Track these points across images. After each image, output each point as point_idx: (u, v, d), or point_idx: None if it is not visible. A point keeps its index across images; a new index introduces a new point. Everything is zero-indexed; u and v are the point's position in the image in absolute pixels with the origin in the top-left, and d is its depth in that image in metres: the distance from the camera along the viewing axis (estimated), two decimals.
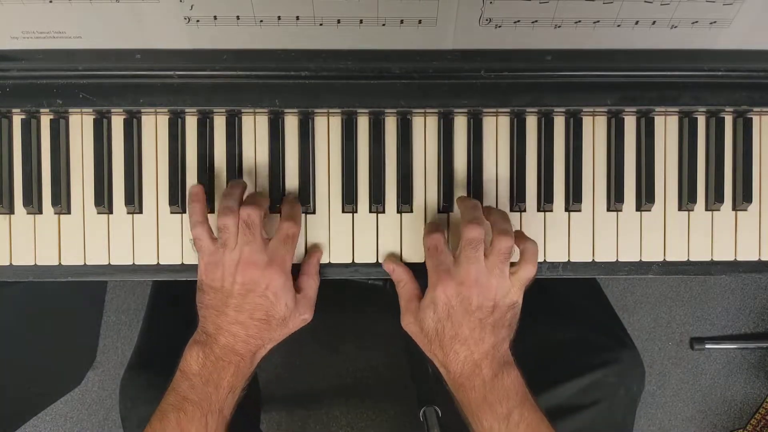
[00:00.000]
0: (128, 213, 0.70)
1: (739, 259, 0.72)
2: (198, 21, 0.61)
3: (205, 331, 0.65)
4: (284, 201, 0.70)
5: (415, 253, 0.71)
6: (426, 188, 0.71)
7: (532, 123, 0.71)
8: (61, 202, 0.69)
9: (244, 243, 0.64)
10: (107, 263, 0.70)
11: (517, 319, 0.66)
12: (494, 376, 0.62)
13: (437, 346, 0.64)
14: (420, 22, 0.62)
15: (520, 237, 0.66)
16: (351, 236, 0.71)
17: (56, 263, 0.70)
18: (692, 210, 0.72)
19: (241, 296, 0.64)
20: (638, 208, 0.72)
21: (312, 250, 0.70)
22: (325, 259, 0.71)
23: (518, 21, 0.61)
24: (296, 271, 0.69)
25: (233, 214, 0.64)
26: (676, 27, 0.62)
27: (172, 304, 0.94)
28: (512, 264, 0.65)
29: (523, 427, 0.61)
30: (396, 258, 0.70)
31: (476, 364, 0.62)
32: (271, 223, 0.70)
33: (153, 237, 0.70)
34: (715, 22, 0.62)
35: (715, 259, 0.72)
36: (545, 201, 0.71)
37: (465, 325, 0.62)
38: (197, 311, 0.67)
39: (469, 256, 0.62)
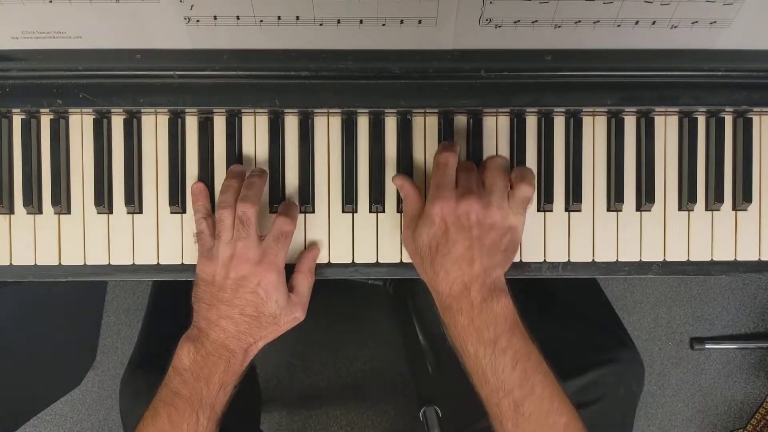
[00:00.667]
0: (128, 213, 0.70)
1: (739, 259, 0.72)
2: (198, 21, 0.61)
3: (197, 326, 0.66)
4: (282, 204, 0.70)
5: None
6: (426, 188, 0.71)
7: (532, 123, 0.71)
8: (61, 202, 0.69)
9: (237, 238, 0.64)
10: (107, 263, 0.70)
11: (515, 247, 0.65)
12: (483, 301, 0.61)
13: (428, 264, 0.63)
14: (420, 22, 0.62)
15: (512, 169, 0.67)
16: (351, 236, 0.71)
17: (56, 263, 0.70)
18: (692, 210, 0.72)
19: (232, 291, 0.64)
20: (638, 208, 0.72)
21: (309, 248, 0.70)
22: (324, 259, 0.71)
23: (518, 21, 0.61)
24: (292, 269, 0.69)
25: (230, 208, 0.65)
26: (676, 27, 0.62)
27: (172, 304, 0.94)
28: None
29: (510, 354, 0.60)
30: (404, 175, 0.70)
31: (465, 285, 0.61)
32: (268, 222, 0.70)
33: (153, 237, 0.70)
34: (715, 22, 0.62)
35: (715, 259, 0.72)
36: (545, 201, 0.71)
37: (460, 243, 0.61)
38: (193, 307, 0.67)
39: (468, 175, 0.64)
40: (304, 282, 0.69)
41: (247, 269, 0.64)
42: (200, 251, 0.67)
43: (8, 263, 0.70)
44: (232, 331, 0.65)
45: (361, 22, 0.61)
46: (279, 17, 0.61)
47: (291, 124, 0.71)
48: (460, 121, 0.71)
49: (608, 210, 0.72)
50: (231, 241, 0.64)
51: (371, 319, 1.37)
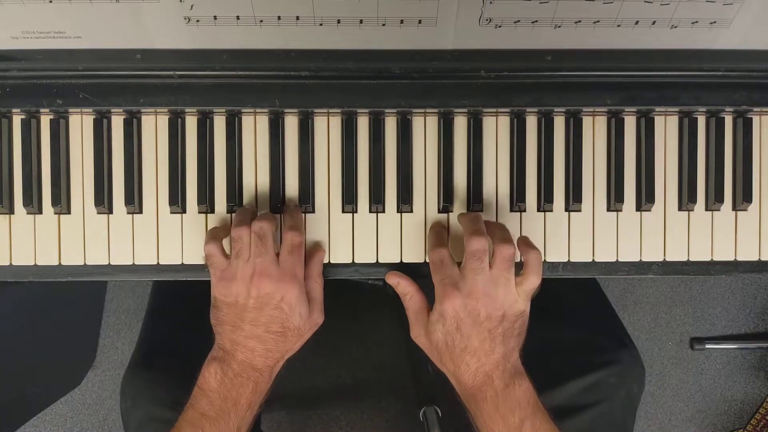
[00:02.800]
0: (128, 213, 0.70)
1: (739, 259, 0.72)
2: (198, 21, 0.61)
3: (222, 347, 0.65)
4: (285, 210, 0.70)
5: (415, 254, 0.71)
6: (426, 188, 0.71)
7: (532, 123, 0.71)
8: (61, 202, 0.69)
9: (256, 255, 0.64)
10: (107, 263, 0.70)
11: (525, 328, 0.65)
12: (506, 387, 0.62)
13: (448, 359, 0.64)
14: (420, 22, 0.62)
15: (523, 244, 0.66)
16: (351, 236, 0.71)
17: (56, 263, 0.70)
18: (692, 210, 0.72)
19: (256, 310, 0.64)
20: (638, 208, 0.72)
21: (313, 250, 0.70)
22: (325, 259, 0.71)
23: (518, 21, 0.61)
24: None
25: (246, 226, 0.64)
26: (676, 27, 0.62)
27: (173, 304, 0.94)
28: (517, 276, 0.65)
29: None
30: (399, 272, 0.70)
31: (487, 375, 0.62)
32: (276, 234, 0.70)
33: (153, 237, 0.70)
34: (715, 22, 0.62)
35: (715, 259, 0.72)
36: (545, 201, 0.71)
37: (474, 337, 0.62)
38: (212, 328, 0.67)
39: (474, 267, 0.62)
40: (316, 287, 0.69)
41: (270, 286, 0.63)
42: (214, 274, 0.66)
43: (8, 263, 0.70)
44: (260, 350, 0.64)
45: (361, 22, 0.61)
46: (279, 17, 0.61)
47: (291, 124, 0.71)
48: (460, 121, 0.71)
49: (608, 210, 0.72)
50: (250, 259, 0.64)
51: (371, 319, 1.37)
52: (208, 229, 0.69)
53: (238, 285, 0.64)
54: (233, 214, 0.70)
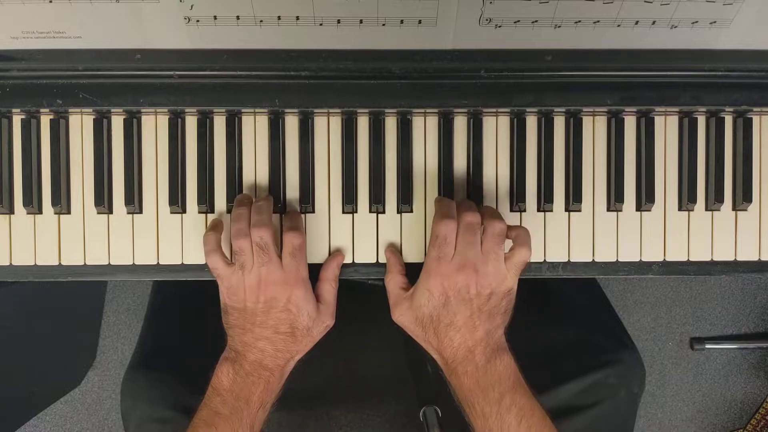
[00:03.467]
0: (128, 213, 0.70)
1: (739, 259, 0.72)
2: (198, 21, 0.61)
3: (234, 348, 0.66)
4: (285, 215, 0.70)
5: (415, 254, 0.71)
6: (426, 188, 0.71)
7: (532, 123, 0.71)
8: (61, 202, 0.69)
9: (260, 264, 0.64)
10: (107, 263, 0.70)
11: (512, 306, 0.66)
12: (487, 362, 0.63)
13: (432, 334, 0.64)
14: (420, 22, 0.62)
15: (510, 227, 0.66)
16: (351, 236, 0.71)
17: (56, 263, 0.70)
18: (692, 210, 0.72)
19: (264, 313, 0.65)
20: (638, 208, 0.72)
21: (333, 255, 0.71)
22: (324, 259, 0.71)
23: (518, 21, 0.61)
24: (313, 272, 0.69)
25: (246, 236, 0.65)
26: (676, 27, 0.62)
27: (173, 304, 0.94)
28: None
29: (514, 411, 0.61)
30: (395, 249, 0.70)
31: (470, 350, 0.63)
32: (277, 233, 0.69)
33: (153, 237, 0.70)
34: (715, 22, 0.62)
35: (715, 259, 0.72)
36: (545, 201, 0.71)
37: (461, 313, 0.63)
38: (225, 331, 0.67)
39: (468, 240, 0.63)
40: (330, 290, 0.69)
41: (276, 291, 0.64)
42: (222, 284, 0.67)
43: (8, 263, 0.70)
44: (270, 350, 0.65)
45: (361, 22, 0.61)
46: (279, 17, 0.61)
47: (291, 124, 0.71)
48: (460, 121, 0.71)
49: (608, 210, 0.72)
50: (254, 268, 0.64)
51: (371, 319, 1.36)
52: (204, 237, 0.68)
53: (245, 293, 0.65)
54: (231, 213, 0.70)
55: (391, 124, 0.71)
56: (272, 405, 0.68)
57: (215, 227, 0.69)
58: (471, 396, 0.63)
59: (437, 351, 0.65)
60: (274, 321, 0.65)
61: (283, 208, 0.71)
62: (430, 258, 0.64)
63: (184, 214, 0.70)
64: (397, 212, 0.71)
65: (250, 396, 0.65)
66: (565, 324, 0.92)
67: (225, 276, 0.66)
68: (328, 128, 0.71)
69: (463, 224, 0.63)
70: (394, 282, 0.69)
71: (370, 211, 0.71)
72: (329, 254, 0.71)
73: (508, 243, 0.66)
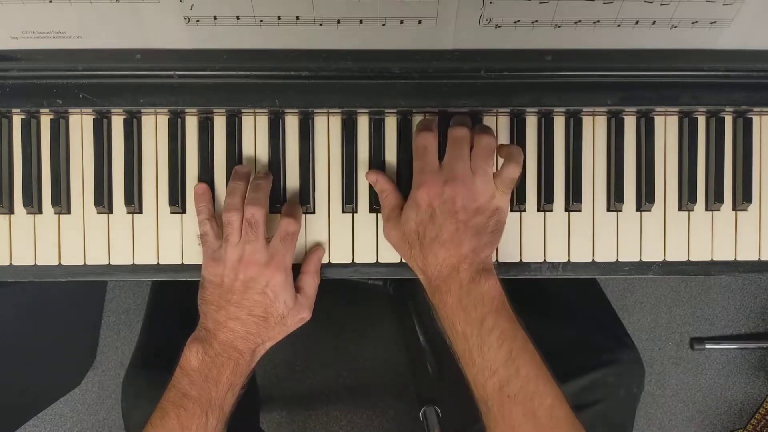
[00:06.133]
0: (128, 213, 0.70)
1: (739, 259, 0.72)
2: (198, 21, 0.61)
3: (205, 327, 0.66)
4: (286, 203, 0.70)
5: None
6: None
7: (532, 123, 0.71)
8: (61, 202, 0.69)
9: (246, 241, 0.64)
10: (107, 263, 0.70)
11: (501, 227, 0.65)
12: (471, 280, 0.62)
13: (417, 250, 0.64)
14: (420, 22, 0.62)
15: (501, 144, 0.66)
16: (351, 236, 0.71)
17: (56, 263, 0.70)
18: (692, 210, 0.72)
19: (240, 293, 0.64)
20: (638, 208, 0.72)
21: (313, 248, 0.70)
22: (324, 259, 0.71)
23: (518, 21, 0.61)
24: (298, 270, 0.69)
25: (238, 211, 0.65)
26: (676, 27, 0.62)
27: (172, 304, 0.94)
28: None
29: (496, 333, 0.60)
30: (377, 170, 0.70)
31: (454, 267, 0.62)
32: (271, 223, 0.70)
33: (153, 237, 0.70)
34: (715, 22, 0.62)
35: (715, 259, 0.72)
36: (545, 201, 0.71)
37: (446, 227, 0.62)
38: (198, 308, 0.67)
39: (455, 153, 0.63)
40: (311, 283, 0.69)
41: (256, 271, 0.64)
42: (205, 253, 0.67)
43: (8, 263, 0.70)
44: (241, 332, 0.65)
45: (361, 22, 0.61)
46: (279, 17, 0.61)
47: (291, 123, 0.71)
48: None
49: (608, 210, 0.72)
50: (239, 243, 0.64)
51: (371, 319, 1.37)
52: (196, 206, 0.69)
53: (225, 267, 0.65)
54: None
55: (391, 124, 0.71)
56: (242, 388, 0.67)
57: (204, 196, 0.69)
58: (453, 315, 0.62)
59: (422, 270, 0.64)
60: (250, 303, 0.64)
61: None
62: (416, 171, 0.64)
63: (184, 214, 0.71)
64: None
65: (219, 377, 0.64)
66: (565, 324, 0.92)
67: (211, 245, 0.66)
68: (328, 128, 0.71)
69: (451, 137, 0.63)
70: (390, 198, 0.67)
71: (370, 211, 0.71)
72: (329, 254, 0.71)
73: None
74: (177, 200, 0.70)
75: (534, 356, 0.61)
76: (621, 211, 0.71)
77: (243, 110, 0.69)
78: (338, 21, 0.61)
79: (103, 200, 0.70)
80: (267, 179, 0.68)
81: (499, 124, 0.71)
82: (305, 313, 0.69)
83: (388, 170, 0.71)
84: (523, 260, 0.71)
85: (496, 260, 0.70)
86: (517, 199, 0.71)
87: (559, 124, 0.71)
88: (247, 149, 0.71)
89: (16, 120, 0.70)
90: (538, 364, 0.61)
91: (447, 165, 0.63)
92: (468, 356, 0.61)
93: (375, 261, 0.71)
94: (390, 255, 0.71)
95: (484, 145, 0.64)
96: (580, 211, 0.71)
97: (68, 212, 0.70)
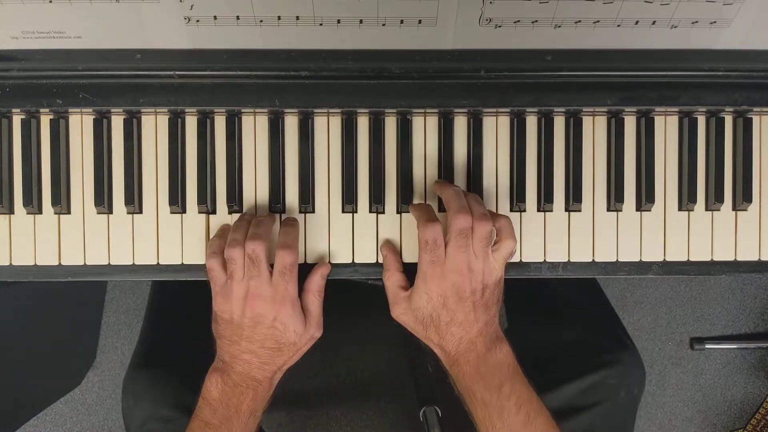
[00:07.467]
0: (128, 213, 0.70)
1: (739, 259, 0.72)
2: (198, 21, 0.61)
3: (222, 359, 0.67)
4: (282, 225, 0.69)
5: (415, 254, 0.71)
6: (426, 188, 0.71)
7: (532, 123, 0.71)
8: (61, 202, 0.69)
9: (249, 277, 0.64)
10: (107, 263, 0.70)
11: (502, 292, 0.67)
12: (487, 350, 0.64)
13: (433, 332, 0.65)
14: (420, 22, 0.62)
15: (493, 216, 0.66)
16: (351, 236, 0.71)
17: (56, 263, 0.70)
18: (692, 210, 0.72)
19: (250, 328, 0.65)
20: (638, 208, 0.72)
21: (317, 266, 0.70)
22: (325, 260, 0.71)
23: (518, 21, 0.61)
24: (303, 269, 0.69)
25: (239, 246, 0.64)
26: (676, 27, 0.62)
27: (173, 304, 0.94)
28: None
29: (514, 399, 0.63)
30: (393, 246, 0.70)
31: (471, 341, 0.64)
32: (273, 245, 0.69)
33: (153, 237, 0.70)
34: (715, 22, 0.62)
35: (715, 259, 0.72)
36: (545, 201, 0.71)
37: (460, 311, 0.64)
38: (214, 339, 0.68)
39: (460, 245, 0.63)
40: (314, 301, 0.69)
41: (262, 306, 0.64)
42: (214, 288, 0.67)
43: (8, 263, 0.70)
44: (256, 363, 0.66)
45: (361, 22, 0.61)
46: (279, 17, 0.61)
47: (291, 123, 0.71)
48: (460, 121, 0.71)
49: (608, 210, 0.72)
50: (243, 279, 0.64)
51: (371, 319, 1.37)
52: (209, 240, 0.69)
53: (232, 304, 0.65)
54: (233, 221, 0.70)
55: (391, 124, 0.71)
56: (263, 411, 0.68)
57: (222, 234, 0.69)
58: (472, 384, 0.64)
59: (439, 346, 0.66)
60: (261, 337, 0.65)
61: (283, 208, 0.71)
62: (424, 262, 0.64)
63: (184, 214, 0.71)
64: (397, 212, 0.71)
65: (239, 405, 0.65)
66: (565, 324, 0.92)
67: (219, 281, 0.66)
68: (328, 128, 0.71)
69: (454, 231, 0.63)
70: (392, 280, 0.69)
71: (370, 211, 0.71)
72: (329, 254, 0.71)
73: None
74: (177, 200, 0.69)
75: (549, 419, 0.65)
76: (621, 211, 0.71)
77: (243, 110, 0.69)
78: (338, 21, 0.61)
79: (103, 200, 0.70)
80: (270, 218, 0.68)
81: (499, 124, 0.71)
82: (316, 331, 0.69)
83: (388, 172, 0.71)
84: (523, 260, 0.71)
85: None
86: (517, 199, 0.71)
87: (559, 124, 0.71)
88: (247, 149, 0.71)
89: (16, 120, 0.70)
90: (552, 424, 0.64)
91: (453, 257, 0.63)
92: (488, 421, 0.63)
93: (375, 261, 0.71)
94: None
95: (484, 236, 0.64)
96: (580, 211, 0.71)
97: (68, 212, 0.70)
